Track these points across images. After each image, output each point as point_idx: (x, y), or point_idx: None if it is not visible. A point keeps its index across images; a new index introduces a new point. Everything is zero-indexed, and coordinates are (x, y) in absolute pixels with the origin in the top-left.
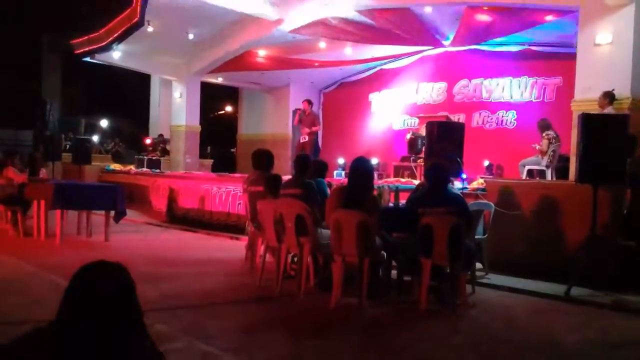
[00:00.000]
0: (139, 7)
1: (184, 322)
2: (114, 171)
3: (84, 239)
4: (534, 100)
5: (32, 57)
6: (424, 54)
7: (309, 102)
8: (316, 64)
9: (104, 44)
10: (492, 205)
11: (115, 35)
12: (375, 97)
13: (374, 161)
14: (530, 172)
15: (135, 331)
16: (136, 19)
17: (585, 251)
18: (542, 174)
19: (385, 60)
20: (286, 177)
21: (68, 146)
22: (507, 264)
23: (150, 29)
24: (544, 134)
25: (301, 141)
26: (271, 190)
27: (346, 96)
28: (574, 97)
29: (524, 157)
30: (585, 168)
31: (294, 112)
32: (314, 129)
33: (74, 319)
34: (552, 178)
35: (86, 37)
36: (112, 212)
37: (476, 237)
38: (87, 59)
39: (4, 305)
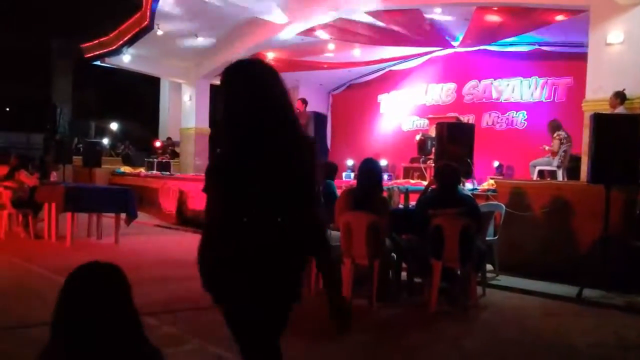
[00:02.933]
0: (148, 11)
1: (193, 324)
2: (124, 174)
3: (94, 242)
4: (544, 101)
5: (43, 62)
6: (433, 54)
7: (304, 102)
8: (325, 66)
9: (114, 47)
10: (503, 206)
11: (125, 39)
12: (384, 99)
13: (383, 162)
14: (541, 173)
15: (129, 332)
16: (146, 23)
17: (598, 252)
18: (553, 174)
19: (394, 62)
20: None
21: (79, 149)
22: (518, 265)
23: (159, 32)
24: (554, 135)
25: None
26: None
27: (355, 97)
28: (585, 97)
29: (534, 157)
30: (598, 168)
31: None
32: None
33: (68, 321)
34: (563, 179)
35: (96, 41)
36: (123, 215)
37: (487, 238)
38: (97, 62)
39: (18, 309)
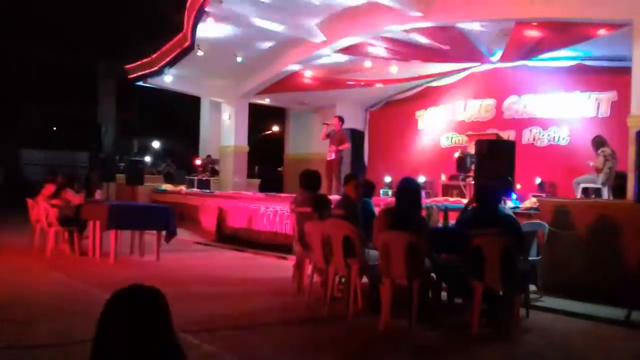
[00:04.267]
0: (189, 32)
1: (231, 343)
2: (165, 191)
3: (137, 259)
4: (587, 116)
5: (89, 83)
6: (472, 70)
7: (340, 119)
8: (362, 83)
9: (156, 68)
10: (546, 225)
11: (167, 59)
12: (421, 115)
13: (421, 179)
14: (585, 191)
15: (167, 355)
16: (187, 44)
17: None
18: (598, 192)
19: (432, 78)
20: (334, 197)
21: (122, 167)
22: (563, 287)
23: (200, 52)
24: (599, 151)
25: (328, 159)
26: (318, 211)
27: (392, 114)
28: (630, 112)
29: (577, 174)
30: None
31: (323, 125)
32: (341, 147)
33: (109, 343)
34: (608, 197)
35: (139, 63)
36: (164, 232)
37: (530, 258)
38: (140, 83)
39: (66, 325)
